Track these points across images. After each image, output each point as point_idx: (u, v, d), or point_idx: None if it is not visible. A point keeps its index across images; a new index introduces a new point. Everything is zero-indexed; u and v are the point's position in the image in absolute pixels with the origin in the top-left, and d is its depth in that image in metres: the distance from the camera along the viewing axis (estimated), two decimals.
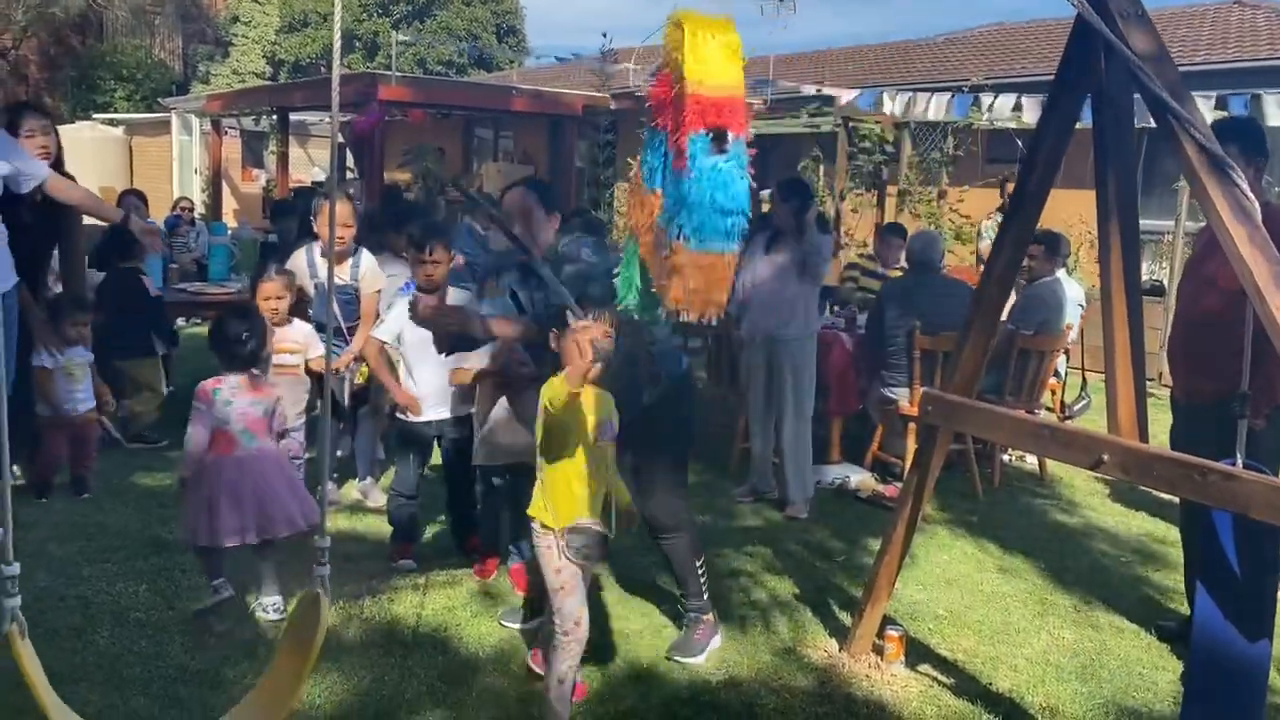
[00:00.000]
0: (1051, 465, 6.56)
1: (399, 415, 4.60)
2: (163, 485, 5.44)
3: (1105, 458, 2.78)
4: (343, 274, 5.10)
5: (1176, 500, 4.15)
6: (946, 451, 3.71)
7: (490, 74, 23.34)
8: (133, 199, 7.81)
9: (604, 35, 20.17)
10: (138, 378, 6.16)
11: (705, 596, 3.90)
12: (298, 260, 5.18)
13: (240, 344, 3.95)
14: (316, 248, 5.14)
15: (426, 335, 4.48)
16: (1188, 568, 4.29)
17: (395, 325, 4.52)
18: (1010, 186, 8.26)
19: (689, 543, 3.85)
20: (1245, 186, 2.51)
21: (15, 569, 1.90)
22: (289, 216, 7.72)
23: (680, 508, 3.86)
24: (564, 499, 3.10)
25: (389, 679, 3.50)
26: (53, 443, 5.09)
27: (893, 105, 10.32)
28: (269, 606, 3.87)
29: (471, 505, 4.67)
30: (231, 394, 3.89)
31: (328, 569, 2.21)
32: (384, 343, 4.58)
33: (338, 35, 2.04)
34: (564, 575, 3.16)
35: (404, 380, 4.57)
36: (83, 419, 5.18)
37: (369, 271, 5.18)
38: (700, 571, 3.89)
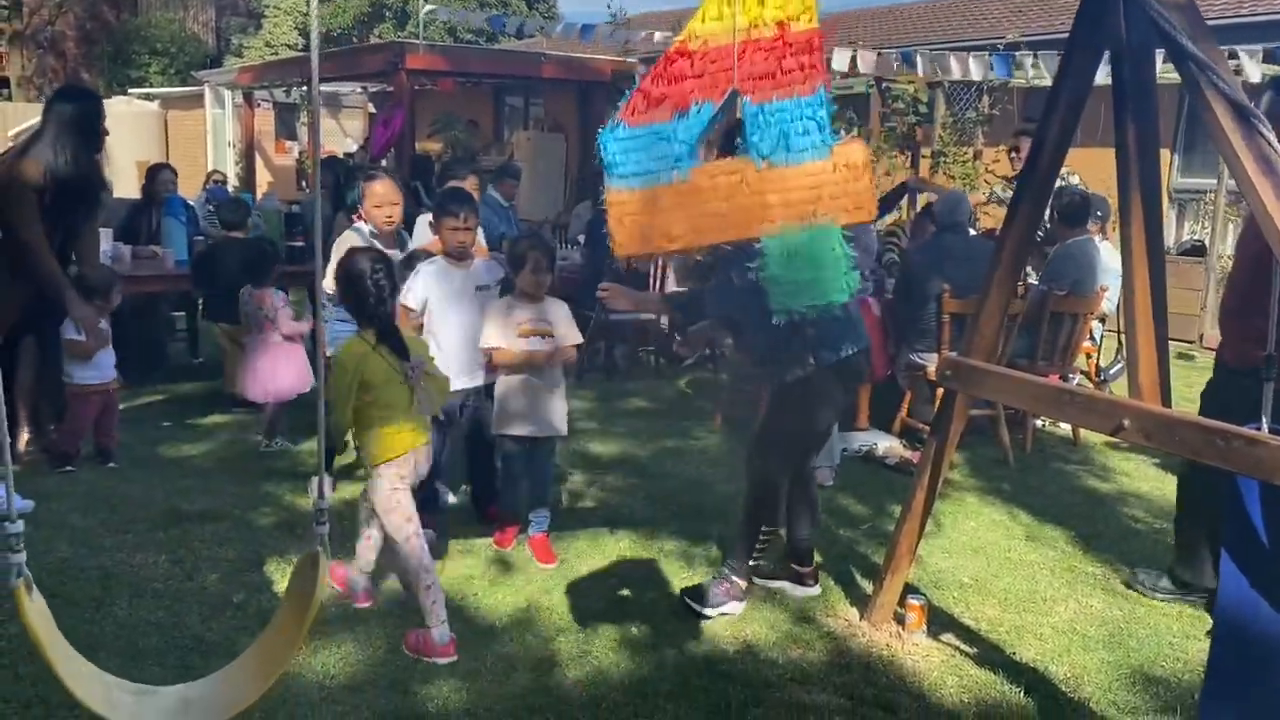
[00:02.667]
0: (1084, 430, 6.44)
1: None
2: (186, 456, 5.50)
3: (1126, 423, 2.70)
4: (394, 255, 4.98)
5: None
6: (966, 417, 3.63)
7: (520, 42, 23.20)
8: (167, 173, 7.86)
9: (608, 5, 20.05)
10: None
11: (748, 563, 3.92)
12: (352, 240, 4.88)
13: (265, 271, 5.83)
14: (366, 229, 4.92)
15: (451, 302, 4.42)
16: (1188, 527, 4.21)
17: (422, 291, 4.42)
18: (1021, 150, 7.87)
19: (770, 505, 3.89)
20: (1272, 138, 2.40)
21: (19, 526, 1.90)
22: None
23: (780, 472, 3.87)
24: (391, 439, 3.49)
25: (404, 647, 3.50)
26: (81, 412, 5.13)
27: (925, 66, 10.11)
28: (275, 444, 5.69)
29: (491, 474, 4.66)
30: (261, 302, 5.71)
31: (327, 527, 2.20)
32: (409, 309, 4.44)
33: (315, 30, 1.99)
34: (402, 507, 3.51)
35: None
36: (108, 388, 5.21)
37: (420, 242, 5.05)
38: (762, 540, 3.91)
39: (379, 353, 3.48)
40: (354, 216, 5.58)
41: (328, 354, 4.94)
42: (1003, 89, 10.88)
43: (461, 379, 4.46)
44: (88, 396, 5.12)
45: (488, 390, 4.48)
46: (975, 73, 10.04)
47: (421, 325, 4.38)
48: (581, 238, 8.68)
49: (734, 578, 3.87)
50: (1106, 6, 2.78)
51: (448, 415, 4.58)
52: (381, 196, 4.84)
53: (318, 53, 2.02)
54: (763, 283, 2.94)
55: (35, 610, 1.95)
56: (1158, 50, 2.82)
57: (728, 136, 3.13)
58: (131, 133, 18.36)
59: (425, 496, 4.59)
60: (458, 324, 4.42)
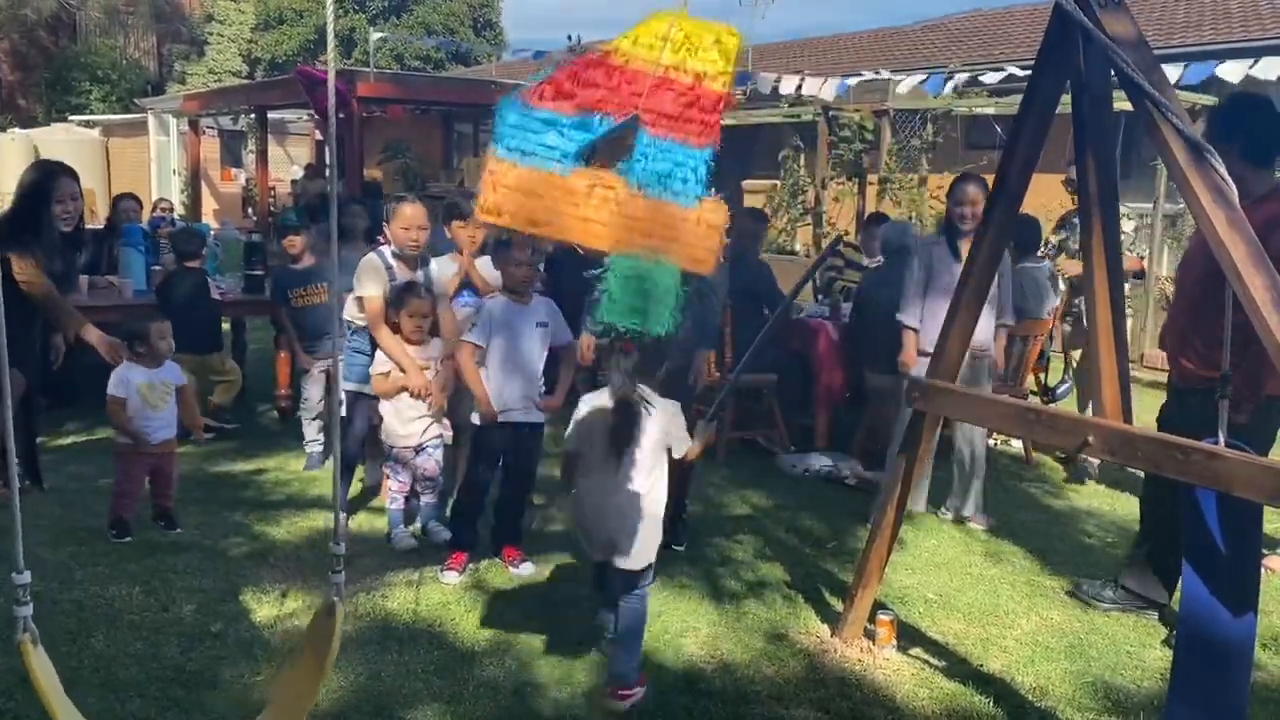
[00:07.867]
0: (1035, 449, 6.62)
1: (473, 421, 4.50)
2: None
3: (1090, 439, 2.83)
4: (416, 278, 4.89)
5: None
6: (935, 437, 3.75)
7: (468, 68, 23.29)
8: (129, 201, 7.78)
9: (568, 37, 20.43)
10: (212, 370, 6.64)
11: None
12: (373, 264, 4.78)
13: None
14: (387, 251, 4.83)
15: (513, 339, 4.36)
16: (1145, 542, 4.35)
17: (488, 328, 4.33)
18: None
19: None
20: (1223, 170, 2.55)
21: (27, 577, 1.89)
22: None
23: None
24: None
25: (386, 674, 3.52)
26: (130, 475, 4.74)
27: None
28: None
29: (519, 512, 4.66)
30: None
31: (343, 576, 2.21)
32: (477, 345, 4.36)
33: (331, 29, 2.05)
34: None
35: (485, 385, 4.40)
36: (162, 449, 4.82)
37: (439, 277, 5.01)
38: None
39: None
40: (379, 238, 5.51)
41: (348, 388, 4.94)
42: (946, 117, 11.18)
43: (517, 414, 4.41)
44: (133, 457, 4.74)
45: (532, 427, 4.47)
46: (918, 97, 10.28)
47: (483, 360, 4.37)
48: (541, 266, 8.73)
49: None
50: (1068, 42, 2.93)
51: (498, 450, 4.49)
52: (410, 219, 4.75)
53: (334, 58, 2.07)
54: (599, 294, 3.05)
55: (41, 665, 1.95)
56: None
57: (614, 155, 3.19)
58: (71, 161, 18.00)
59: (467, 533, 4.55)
60: (518, 361, 4.34)
